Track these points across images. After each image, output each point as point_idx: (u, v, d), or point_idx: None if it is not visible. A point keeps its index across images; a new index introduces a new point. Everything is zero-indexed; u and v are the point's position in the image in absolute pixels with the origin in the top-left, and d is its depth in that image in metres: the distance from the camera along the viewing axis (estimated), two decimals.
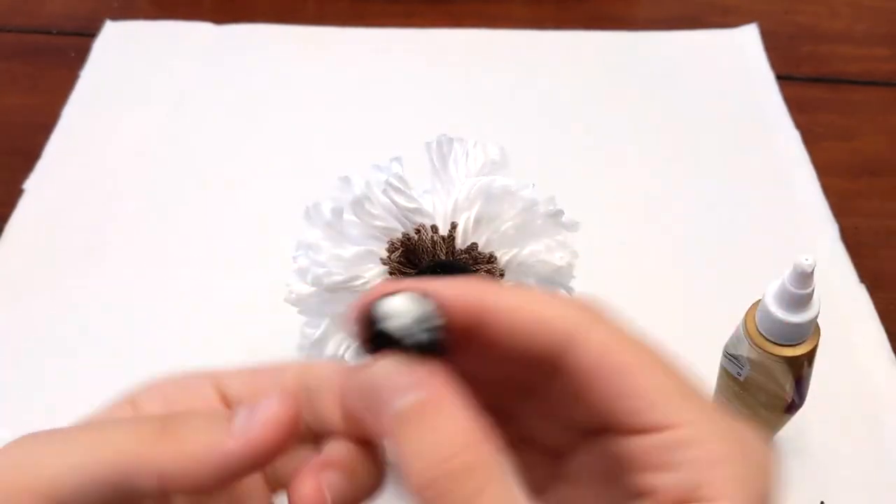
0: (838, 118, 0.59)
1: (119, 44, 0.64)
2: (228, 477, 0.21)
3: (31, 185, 0.53)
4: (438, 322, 0.20)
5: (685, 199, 0.53)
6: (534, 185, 0.36)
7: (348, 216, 0.34)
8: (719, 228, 0.51)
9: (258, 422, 0.21)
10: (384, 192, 0.33)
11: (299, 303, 0.35)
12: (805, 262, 0.32)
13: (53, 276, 0.48)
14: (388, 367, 0.20)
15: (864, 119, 0.59)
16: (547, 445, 0.23)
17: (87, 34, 0.64)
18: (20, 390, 0.43)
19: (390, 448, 0.20)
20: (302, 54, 0.63)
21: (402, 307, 0.20)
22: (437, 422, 0.19)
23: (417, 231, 0.33)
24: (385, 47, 0.63)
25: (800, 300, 0.33)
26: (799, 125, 0.57)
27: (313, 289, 0.34)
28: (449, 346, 0.20)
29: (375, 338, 0.20)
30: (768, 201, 0.52)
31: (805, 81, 0.61)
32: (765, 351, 0.34)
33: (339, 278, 0.33)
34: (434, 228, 0.34)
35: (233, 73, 0.61)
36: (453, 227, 0.34)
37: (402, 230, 0.34)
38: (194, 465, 0.20)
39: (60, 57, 0.63)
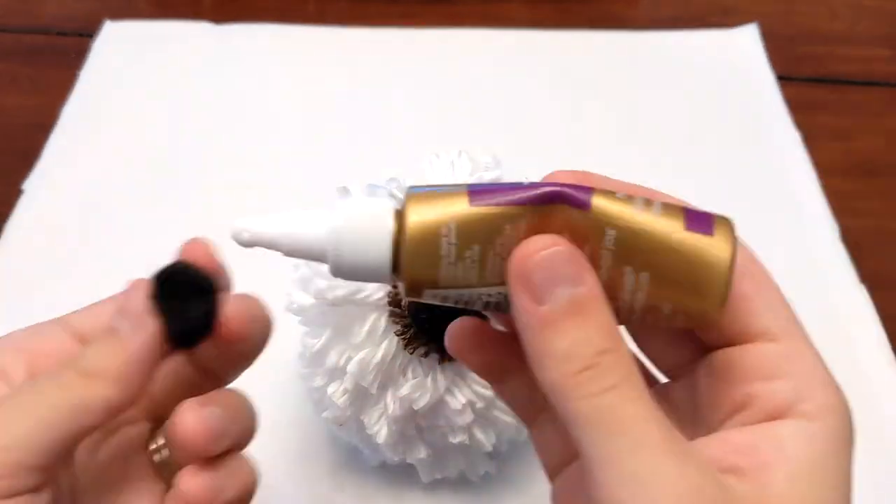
0: (838, 119, 0.59)
1: (119, 44, 0.63)
2: (149, 370, 0.24)
3: (31, 185, 0.53)
4: None
5: (684, 199, 0.53)
6: (527, 178, 0.36)
7: None
8: None
9: (135, 310, 0.24)
10: None
11: (301, 313, 0.34)
12: None
13: (53, 276, 0.48)
14: (554, 252, 0.20)
15: (863, 120, 0.59)
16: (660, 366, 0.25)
17: (87, 34, 0.64)
18: None
19: (521, 322, 0.20)
20: (302, 54, 0.63)
21: None
22: (588, 318, 0.20)
23: None
24: (385, 47, 0.63)
25: None
26: (799, 125, 0.57)
27: (315, 300, 0.33)
28: None
29: None
30: (768, 201, 0.53)
31: (805, 82, 0.62)
32: None
33: (341, 292, 0.32)
34: None
35: (233, 72, 0.61)
36: None
37: None
38: (124, 383, 0.23)
39: (60, 57, 0.63)
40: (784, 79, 0.61)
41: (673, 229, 0.21)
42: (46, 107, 0.58)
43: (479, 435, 0.35)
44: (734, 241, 0.21)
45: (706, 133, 0.57)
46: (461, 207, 0.21)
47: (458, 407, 0.34)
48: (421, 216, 0.21)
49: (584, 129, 0.57)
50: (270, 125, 0.58)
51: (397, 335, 0.33)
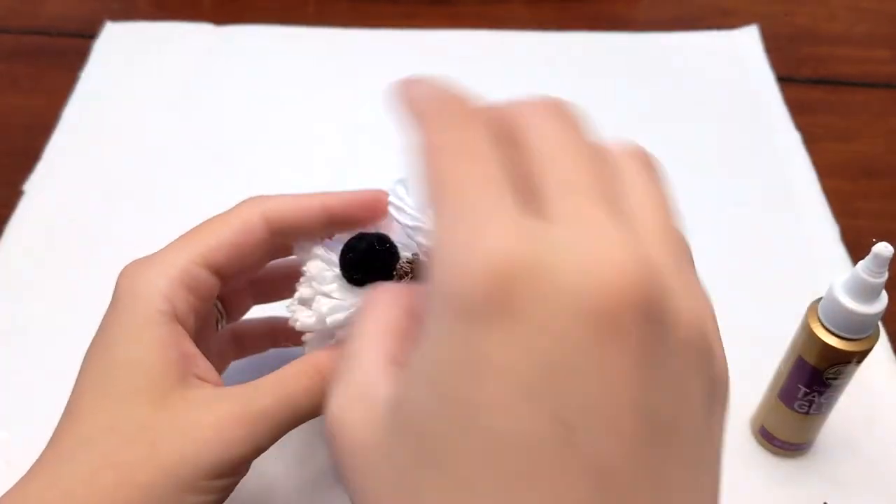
0: (838, 120, 0.59)
1: (119, 45, 0.64)
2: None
3: (31, 185, 0.53)
4: None
5: (685, 200, 0.53)
6: None
7: None
8: (718, 229, 0.51)
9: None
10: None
11: (304, 329, 0.34)
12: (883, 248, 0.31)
13: (53, 277, 0.48)
14: None
15: (863, 121, 0.59)
16: None
17: (87, 35, 0.64)
18: (20, 391, 0.43)
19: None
20: (302, 55, 0.63)
21: None
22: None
23: (426, 254, 0.33)
24: (385, 48, 0.64)
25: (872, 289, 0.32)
26: (799, 126, 0.57)
27: (316, 321, 0.32)
28: None
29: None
30: (768, 202, 0.53)
31: (805, 83, 0.62)
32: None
33: (341, 316, 0.32)
34: None
35: (233, 73, 0.61)
36: None
37: (412, 252, 0.33)
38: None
39: (60, 58, 0.63)
40: (784, 80, 0.61)
41: None
42: (47, 107, 0.58)
43: None
44: None
45: (706, 134, 0.57)
46: None
47: None
48: None
49: None
50: (270, 126, 0.58)
51: None
